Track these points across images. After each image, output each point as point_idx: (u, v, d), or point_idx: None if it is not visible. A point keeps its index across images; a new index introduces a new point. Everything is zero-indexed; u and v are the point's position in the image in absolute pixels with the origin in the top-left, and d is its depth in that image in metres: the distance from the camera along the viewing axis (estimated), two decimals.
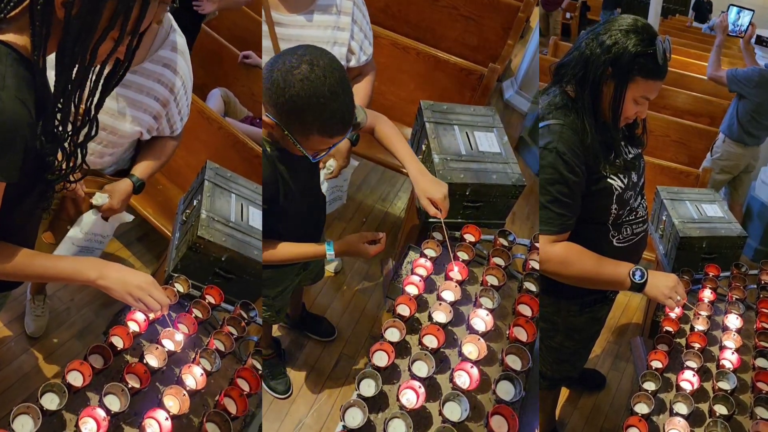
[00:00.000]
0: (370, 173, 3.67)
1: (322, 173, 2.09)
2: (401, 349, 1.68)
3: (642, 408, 1.69)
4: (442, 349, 1.68)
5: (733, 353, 1.86)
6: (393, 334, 1.68)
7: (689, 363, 1.83)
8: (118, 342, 1.55)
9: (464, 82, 3.19)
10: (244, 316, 1.87)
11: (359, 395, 1.52)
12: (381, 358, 1.62)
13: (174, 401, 1.49)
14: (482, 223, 2.21)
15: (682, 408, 1.68)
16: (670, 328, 2.01)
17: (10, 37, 1.11)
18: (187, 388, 1.52)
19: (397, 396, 1.53)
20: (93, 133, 1.29)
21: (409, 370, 1.59)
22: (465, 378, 1.60)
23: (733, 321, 2.01)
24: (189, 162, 2.85)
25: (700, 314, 2.02)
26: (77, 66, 1.15)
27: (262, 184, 1.62)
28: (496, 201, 2.23)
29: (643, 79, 1.56)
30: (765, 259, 2.55)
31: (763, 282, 2.26)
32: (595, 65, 1.57)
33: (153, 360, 1.56)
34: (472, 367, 1.60)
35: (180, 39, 1.90)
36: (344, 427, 1.45)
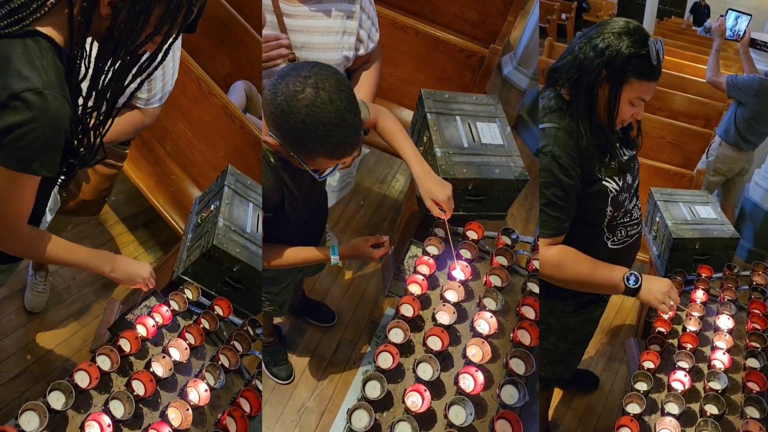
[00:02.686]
0: (367, 155, 3.65)
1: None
2: (405, 347, 1.69)
3: (634, 408, 1.70)
4: (445, 349, 1.69)
5: (724, 353, 1.87)
6: (397, 335, 1.69)
7: (681, 363, 1.84)
8: (125, 345, 1.60)
9: (464, 63, 3.10)
10: (251, 333, 1.88)
11: (365, 397, 1.52)
12: (386, 360, 1.62)
13: (177, 414, 1.52)
14: (483, 215, 2.21)
15: (673, 408, 1.69)
16: (662, 329, 2.03)
17: (48, 30, 1.14)
18: (191, 403, 1.54)
19: (403, 398, 1.54)
20: (112, 119, 1.33)
21: (414, 372, 1.59)
22: (470, 381, 1.60)
23: (725, 322, 2.02)
24: (206, 156, 2.82)
25: (692, 315, 2.03)
26: (117, 65, 1.21)
27: (264, 192, 1.61)
28: (499, 195, 2.22)
29: (637, 81, 1.57)
30: (758, 260, 2.56)
31: (754, 283, 2.27)
32: (589, 69, 1.57)
33: (159, 369, 1.59)
34: (476, 370, 1.61)
35: None
36: (351, 430, 1.46)
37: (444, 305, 1.77)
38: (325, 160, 1.50)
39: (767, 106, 3.59)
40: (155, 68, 1.26)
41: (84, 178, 2.15)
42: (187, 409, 1.51)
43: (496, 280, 1.91)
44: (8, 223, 1.27)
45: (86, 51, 1.21)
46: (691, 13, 10.33)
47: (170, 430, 1.45)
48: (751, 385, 1.77)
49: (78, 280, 2.74)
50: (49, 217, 1.95)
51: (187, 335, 1.73)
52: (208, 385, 1.61)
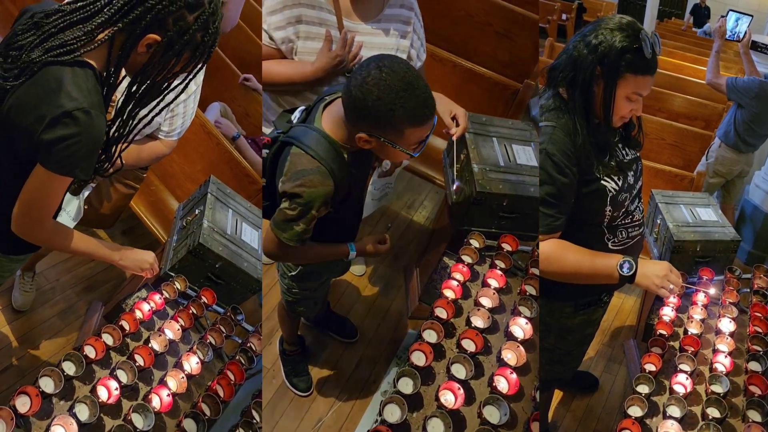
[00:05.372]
0: (396, 180, 3.69)
1: (377, 171, 2.17)
2: (438, 351, 1.69)
3: (635, 411, 1.70)
4: (477, 355, 1.69)
5: (726, 357, 1.87)
6: (431, 336, 1.71)
7: (682, 366, 1.83)
8: (126, 325, 1.82)
9: (498, 96, 3.24)
10: (233, 318, 2.10)
11: (397, 391, 1.53)
12: (419, 358, 1.64)
13: (173, 381, 1.76)
14: (516, 234, 2.22)
15: (675, 411, 1.68)
16: (663, 331, 2.02)
17: (91, 60, 1.36)
18: (185, 372, 1.78)
19: (437, 395, 1.54)
20: (130, 138, 1.55)
21: (448, 371, 1.60)
22: (504, 383, 1.61)
23: (726, 325, 2.02)
24: (184, 169, 2.98)
25: (693, 317, 2.03)
26: (146, 93, 1.44)
27: (335, 187, 1.63)
28: (532, 213, 2.25)
29: (632, 75, 1.56)
30: (758, 262, 2.56)
31: (755, 286, 2.27)
32: (583, 66, 1.57)
33: (156, 345, 1.81)
34: (511, 372, 1.61)
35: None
36: (383, 421, 1.47)
37: (479, 310, 1.78)
38: (411, 130, 1.54)
39: (766, 108, 3.59)
40: (176, 97, 1.49)
41: (106, 196, 2.39)
42: (182, 377, 1.76)
43: (531, 290, 1.92)
44: (39, 216, 1.46)
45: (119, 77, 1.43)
46: (691, 14, 10.35)
47: (169, 392, 1.69)
48: (752, 388, 1.77)
49: (62, 281, 2.83)
50: (72, 225, 2.08)
51: (179, 318, 1.95)
52: (199, 358, 1.84)
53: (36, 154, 1.35)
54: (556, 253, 1.64)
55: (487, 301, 1.84)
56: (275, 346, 2.58)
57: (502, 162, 2.32)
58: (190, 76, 1.47)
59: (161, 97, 1.48)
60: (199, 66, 1.45)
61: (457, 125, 1.91)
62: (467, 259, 2.00)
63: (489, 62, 3.45)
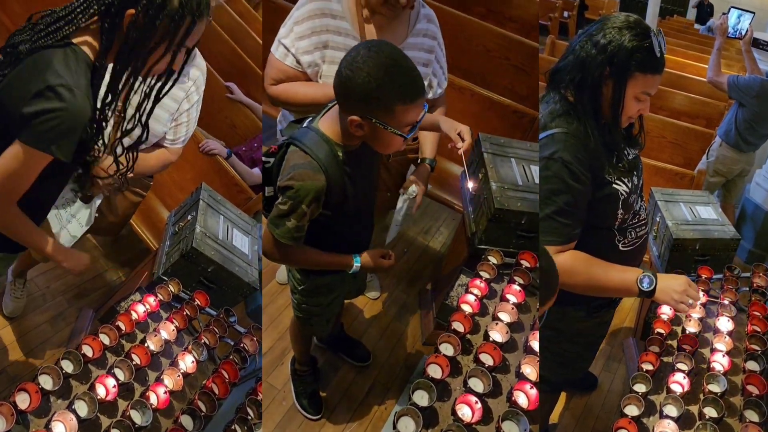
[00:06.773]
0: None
1: (402, 197, 2.19)
2: (454, 367, 1.67)
3: (632, 410, 1.69)
4: (495, 372, 1.67)
5: (723, 356, 1.86)
6: (447, 349, 1.69)
7: (680, 365, 1.83)
8: (122, 326, 1.87)
9: (516, 124, 3.28)
10: (226, 320, 2.15)
11: (413, 403, 1.51)
12: (435, 371, 1.62)
13: (170, 380, 1.79)
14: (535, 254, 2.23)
15: (672, 410, 1.68)
16: (661, 330, 2.01)
17: (84, 46, 1.38)
18: (181, 371, 1.83)
19: (453, 409, 1.51)
20: (144, 138, 1.56)
21: (465, 385, 1.58)
22: (524, 398, 1.58)
23: (725, 324, 2.01)
24: (174, 178, 3.04)
25: (691, 316, 2.02)
26: (129, 70, 1.41)
27: (328, 188, 1.62)
28: None
29: (641, 74, 1.55)
30: (758, 261, 2.55)
31: (754, 285, 2.26)
32: (592, 66, 1.55)
33: (152, 345, 1.86)
34: (531, 387, 1.58)
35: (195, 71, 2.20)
36: None
37: (497, 324, 1.76)
38: (402, 108, 1.53)
39: None
40: (171, 86, 1.50)
41: (115, 204, 2.43)
42: (178, 375, 1.79)
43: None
44: (6, 194, 1.41)
45: (107, 67, 1.43)
46: (694, 9, 10.31)
47: (165, 389, 1.73)
48: (750, 388, 1.76)
49: (52, 288, 2.85)
50: (81, 231, 2.07)
51: (173, 320, 2.00)
52: (194, 357, 1.90)
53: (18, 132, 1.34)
54: (579, 267, 1.61)
55: (505, 316, 1.82)
56: (287, 367, 2.56)
57: (520, 181, 2.34)
58: (180, 53, 1.43)
59: (152, 88, 1.48)
60: (181, 36, 1.40)
61: (463, 141, 1.91)
62: (485, 274, 1.98)
63: (507, 95, 3.52)
